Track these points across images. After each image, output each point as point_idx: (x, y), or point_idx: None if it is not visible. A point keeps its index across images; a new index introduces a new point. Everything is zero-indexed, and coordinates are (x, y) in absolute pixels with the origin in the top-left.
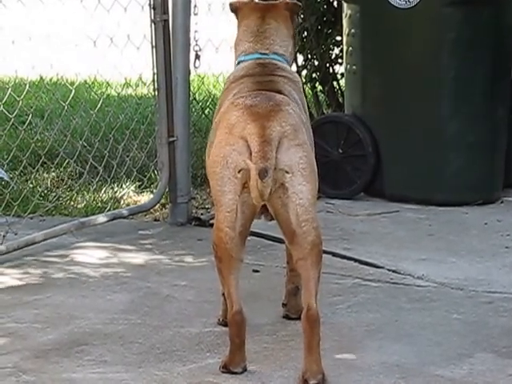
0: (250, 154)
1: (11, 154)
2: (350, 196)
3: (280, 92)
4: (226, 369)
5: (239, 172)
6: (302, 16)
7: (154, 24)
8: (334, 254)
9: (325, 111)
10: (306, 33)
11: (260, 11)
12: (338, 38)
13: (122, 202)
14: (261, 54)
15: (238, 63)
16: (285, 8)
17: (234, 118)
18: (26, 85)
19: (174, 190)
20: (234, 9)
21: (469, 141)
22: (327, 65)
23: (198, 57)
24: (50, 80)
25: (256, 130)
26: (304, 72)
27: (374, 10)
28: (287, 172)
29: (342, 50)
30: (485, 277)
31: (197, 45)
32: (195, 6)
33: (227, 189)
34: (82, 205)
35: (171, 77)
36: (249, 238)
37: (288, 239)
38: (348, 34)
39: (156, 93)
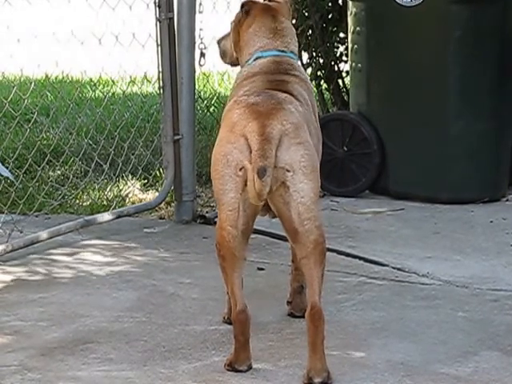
0: (251, 152)
1: (17, 152)
2: (355, 194)
3: (289, 92)
4: (231, 367)
5: (240, 170)
6: (306, 14)
7: (159, 22)
8: (339, 252)
9: (330, 109)
10: (310, 31)
11: (271, 10)
12: (343, 36)
13: (127, 200)
14: (279, 51)
15: (256, 59)
16: (287, 6)
17: (235, 116)
18: (31, 83)
19: (179, 188)
20: (249, 8)
21: (474, 139)
22: (332, 63)
23: (203, 55)
24: (56, 78)
25: (256, 128)
26: (309, 70)
27: (379, 8)
28: (288, 170)
29: (347, 48)
30: (490, 275)
31: (202, 43)
32: (200, 4)
33: (228, 187)
34: (88, 203)
35: (176, 75)
36: (253, 235)
37: (291, 238)
38: (353, 32)
39: (161, 91)
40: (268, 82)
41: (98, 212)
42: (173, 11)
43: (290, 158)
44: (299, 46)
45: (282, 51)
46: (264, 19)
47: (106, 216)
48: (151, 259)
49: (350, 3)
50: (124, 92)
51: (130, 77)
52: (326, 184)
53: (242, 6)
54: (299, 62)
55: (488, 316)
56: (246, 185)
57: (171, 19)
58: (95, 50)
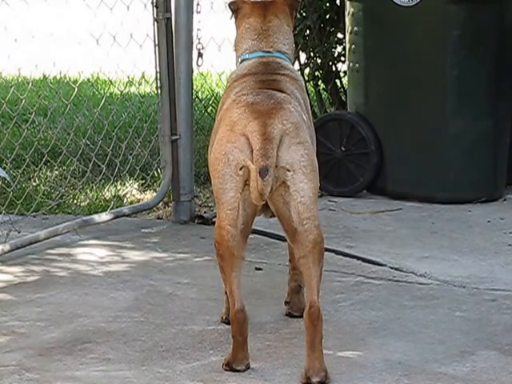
0: (251, 151)
1: (14, 153)
2: (353, 194)
3: (282, 91)
4: (229, 367)
5: (240, 169)
6: (304, 14)
7: (157, 22)
8: (337, 252)
9: (328, 109)
10: (308, 31)
11: (261, 9)
12: (341, 36)
13: (124, 201)
14: (264, 52)
15: (242, 61)
16: (285, 4)
17: (235, 116)
18: (29, 83)
19: (176, 188)
20: (235, 8)
21: (472, 139)
22: (330, 63)
23: (200, 55)
24: (53, 78)
25: (257, 127)
26: (307, 70)
27: (376, 8)
28: (288, 170)
29: (344, 48)
30: (488, 274)
31: (199, 43)
32: (198, 4)
33: (228, 186)
34: (85, 203)
35: (174, 75)
36: (252, 235)
37: (289, 237)
38: (351, 32)
39: (159, 91)
40: (259, 82)
41: (96, 212)
42: (170, 11)
43: (291, 157)
44: (297, 46)
45: (268, 52)
46: (250, 20)
47: (103, 216)
48: (149, 259)
49: (348, 3)
50: (122, 92)
51: (128, 77)
52: (324, 184)
53: (229, 5)
54: (288, 61)
55: (485, 316)
56: (246, 184)
57: (169, 19)
58: (93, 50)
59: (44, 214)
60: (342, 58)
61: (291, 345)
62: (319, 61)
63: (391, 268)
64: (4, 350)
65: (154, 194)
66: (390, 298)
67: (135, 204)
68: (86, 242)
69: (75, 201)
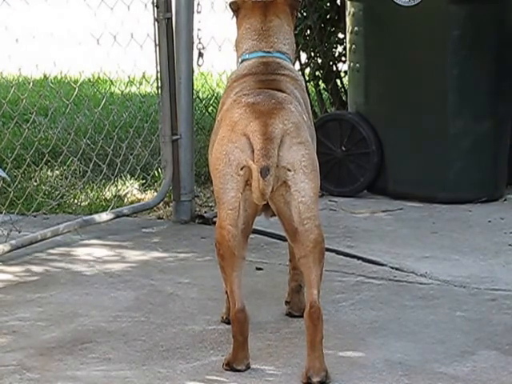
0: (252, 151)
1: (15, 152)
2: (353, 194)
3: (282, 91)
4: (229, 366)
5: (241, 169)
6: (304, 14)
7: (158, 22)
8: (337, 252)
9: (328, 109)
10: (309, 31)
11: (262, 9)
12: (341, 36)
13: (125, 200)
14: (264, 52)
15: (242, 62)
16: (285, 4)
17: (236, 116)
18: (29, 83)
19: (177, 187)
20: (236, 8)
21: (472, 139)
22: (330, 63)
23: (201, 55)
24: (54, 78)
25: (258, 127)
26: (307, 70)
27: (377, 8)
28: (289, 170)
29: (345, 48)
30: (488, 274)
31: (200, 43)
32: (198, 4)
33: (229, 186)
34: (86, 203)
35: (174, 75)
36: (252, 235)
37: (290, 237)
38: (351, 32)
39: (159, 91)
40: (260, 82)
41: (97, 212)
42: (171, 11)
43: (292, 157)
44: (297, 46)
45: (268, 52)
46: (251, 20)
47: (104, 216)
48: (149, 259)
49: (349, 3)
50: (122, 92)
51: (129, 77)
52: (325, 184)
53: (230, 5)
54: (288, 61)
55: (486, 315)
56: (246, 184)
57: (169, 19)
58: (93, 50)
59: (45, 213)
60: (343, 58)
61: (292, 344)
62: (320, 61)
63: (392, 268)
64: (5, 349)
65: (155, 193)
66: (391, 297)
67: (136, 204)
68: (87, 242)
69: (76, 201)
